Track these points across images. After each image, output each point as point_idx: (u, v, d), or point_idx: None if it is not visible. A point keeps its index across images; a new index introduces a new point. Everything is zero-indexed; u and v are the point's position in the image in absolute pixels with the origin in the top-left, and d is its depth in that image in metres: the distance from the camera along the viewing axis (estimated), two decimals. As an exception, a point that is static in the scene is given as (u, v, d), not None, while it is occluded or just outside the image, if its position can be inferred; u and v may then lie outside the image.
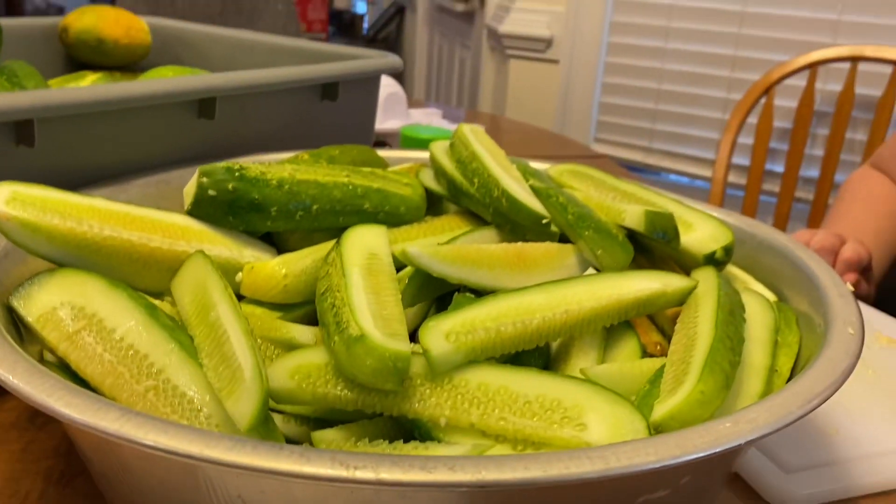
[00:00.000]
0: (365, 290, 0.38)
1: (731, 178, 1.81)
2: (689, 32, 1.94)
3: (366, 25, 4.27)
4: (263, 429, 0.32)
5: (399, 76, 3.30)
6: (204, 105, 0.61)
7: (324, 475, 0.26)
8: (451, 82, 2.88)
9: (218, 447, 0.27)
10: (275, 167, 0.48)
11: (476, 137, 0.56)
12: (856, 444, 0.52)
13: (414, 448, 0.32)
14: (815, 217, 1.68)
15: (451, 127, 1.20)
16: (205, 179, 0.45)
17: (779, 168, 1.80)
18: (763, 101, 1.67)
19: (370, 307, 0.36)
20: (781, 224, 1.72)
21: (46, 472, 0.46)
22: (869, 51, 1.58)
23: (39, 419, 0.50)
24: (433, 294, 0.45)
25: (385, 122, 1.11)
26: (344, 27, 4.28)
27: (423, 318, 0.46)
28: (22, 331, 0.39)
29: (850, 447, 0.52)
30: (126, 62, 0.92)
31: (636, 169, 2.07)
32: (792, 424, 0.31)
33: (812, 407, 0.32)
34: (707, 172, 1.98)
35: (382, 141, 1.12)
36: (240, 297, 0.45)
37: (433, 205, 0.57)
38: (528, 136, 1.53)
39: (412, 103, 1.52)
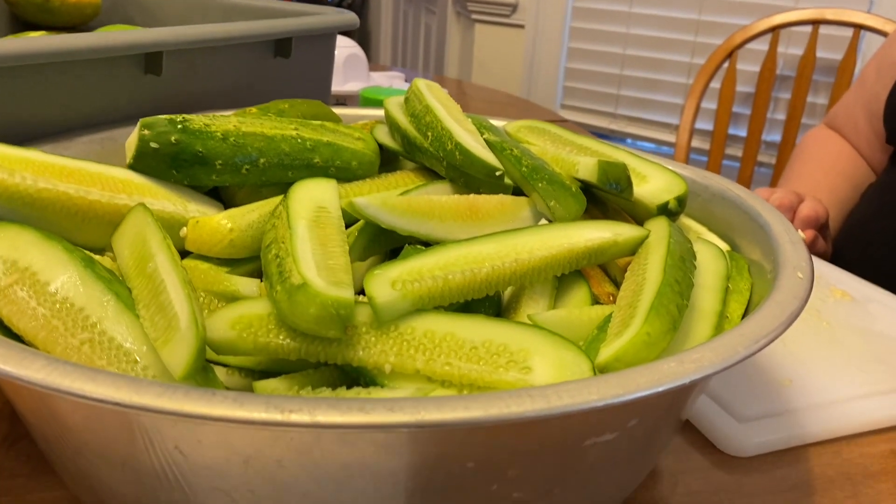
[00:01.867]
0: (311, 241, 0.37)
1: (695, 143, 1.82)
2: (654, -4, 1.93)
3: (331, -8, 4.19)
4: (202, 378, 0.31)
5: (365, 41, 3.25)
6: (150, 60, 0.59)
7: (258, 419, 0.25)
8: (417, 47, 2.85)
9: (148, 393, 0.26)
10: (220, 119, 0.47)
11: (430, 92, 0.55)
12: (808, 394, 0.53)
13: (356, 394, 0.31)
14: (778, 180, 1.70)
15: (414, 90, 1.19)
16: (146, 132, 0.44)
17: (742, 132, 1.81)
18: (726, 65, 1.67)
19: (315, 257, 0.35)
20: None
21: (-12, 435, 0.45)
22: (830, 14, 1.59)
23: (-18, 383, 0.49)
24: (384, 247, 0.44)
25: (345, 83, 1.09)
26: (308, -6, 4.20)
27: (376, 272, 0.45)
28: (-46, 288, 0.38)
29: (802, 397, 0.53)
30: (74, 22, 0.89)
31: (602, 135, 2.07)
32: (744, 365, 0.31)
33: (758, 347, 0.32)
34: (672, 138, 1.99)
35: (342, 103, 1.10)
36: (186, 254, 0.44)
37: (389, 162, 0.56)
38: (495, 101, 1.52)
39: (378, 68, 1.49)
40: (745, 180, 1.72)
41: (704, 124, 1.85)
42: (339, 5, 3.81)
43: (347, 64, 1.08)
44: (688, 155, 1.68)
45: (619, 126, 2.08)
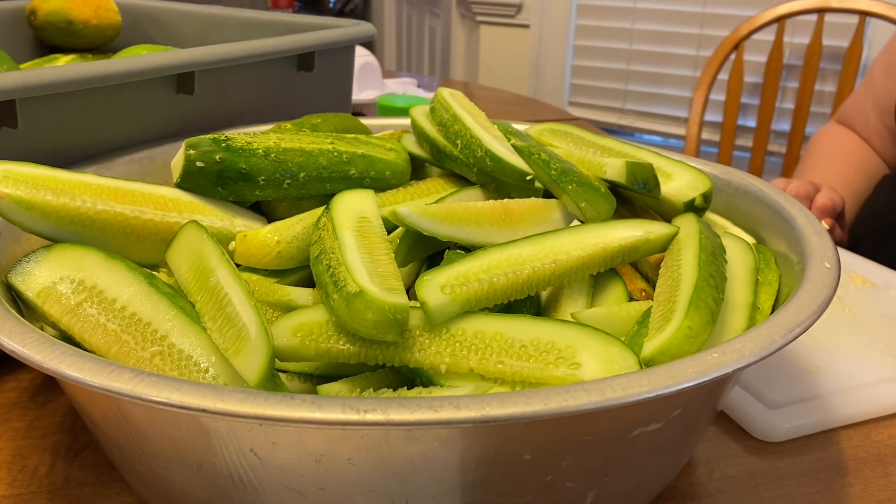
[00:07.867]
0: (359, 251, 0.39)
1: (705, 134, 1.83)
2: (658, -9, 1.95)
3: (332, -1, 4.22)
4: (270, 385, 0.33)
5: (368, 47, 3.26)
6: (183, 80, 0.61)
7: (335, 419, 0.27)
8: (423, 51, 2.87)
9: (231, 400, 0.28)
10: (260, 137, 0.48)
11: (456, 100, 0.56)
12: (835, 379, 0.54)
13: (418, 393, 0.33)
14: (788, 169, 1.71)
15: (427, 95, 1.21)
16: (192, 151, 0.46)
17: (751, 123, 1.82)
18: (733, 56, 1.68)
19: (365, 266, 0.37)
20: (755, 178, 1.74)
21: (53, 447, 0.47)
22: (835, 2, 1.59)
23: (41, 398, 0.51)
24: (424, 253, 0.46)
25: (361, 92, 1.11)
26: (311, 2, 4.22)
27: (416, 277, 0.47)
28: (22, 308, 0.40)
29: (830, 382, 0.54)
30: (97, 43, 0.91)
31: (611, 131, 2.08)
32: (774, 354, 0.33)
33: (794, 336, 0.33)
34: (681, 131, 2.00)
35: (359, 112, 1.12)
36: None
37: (416, 169, 0.57)
38: (504, 102, 1.54)
39: (384, 74, 1.51)
40: (756, 170, 1.73)
41: (714, 116, 1.86)
42: (341, 11, 3.83)
43: (362, 72, 1.10)
44: (698, 147, 1.69)
45: (628, 121, 2.09)
